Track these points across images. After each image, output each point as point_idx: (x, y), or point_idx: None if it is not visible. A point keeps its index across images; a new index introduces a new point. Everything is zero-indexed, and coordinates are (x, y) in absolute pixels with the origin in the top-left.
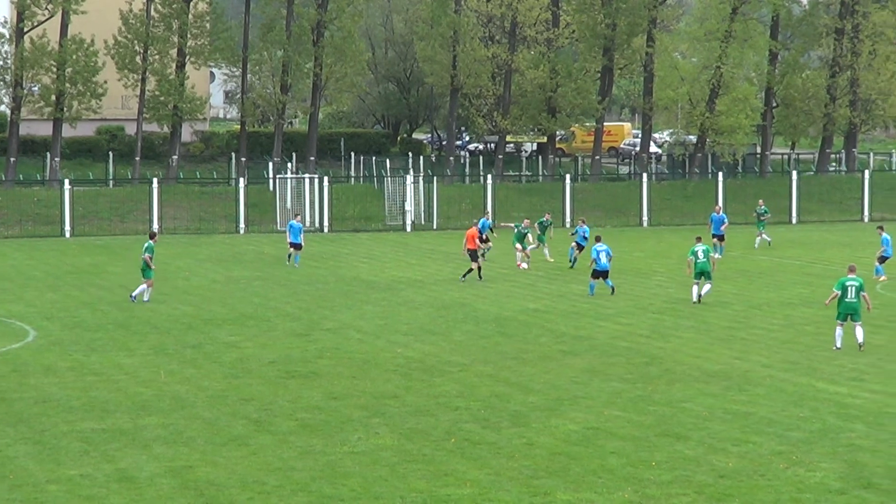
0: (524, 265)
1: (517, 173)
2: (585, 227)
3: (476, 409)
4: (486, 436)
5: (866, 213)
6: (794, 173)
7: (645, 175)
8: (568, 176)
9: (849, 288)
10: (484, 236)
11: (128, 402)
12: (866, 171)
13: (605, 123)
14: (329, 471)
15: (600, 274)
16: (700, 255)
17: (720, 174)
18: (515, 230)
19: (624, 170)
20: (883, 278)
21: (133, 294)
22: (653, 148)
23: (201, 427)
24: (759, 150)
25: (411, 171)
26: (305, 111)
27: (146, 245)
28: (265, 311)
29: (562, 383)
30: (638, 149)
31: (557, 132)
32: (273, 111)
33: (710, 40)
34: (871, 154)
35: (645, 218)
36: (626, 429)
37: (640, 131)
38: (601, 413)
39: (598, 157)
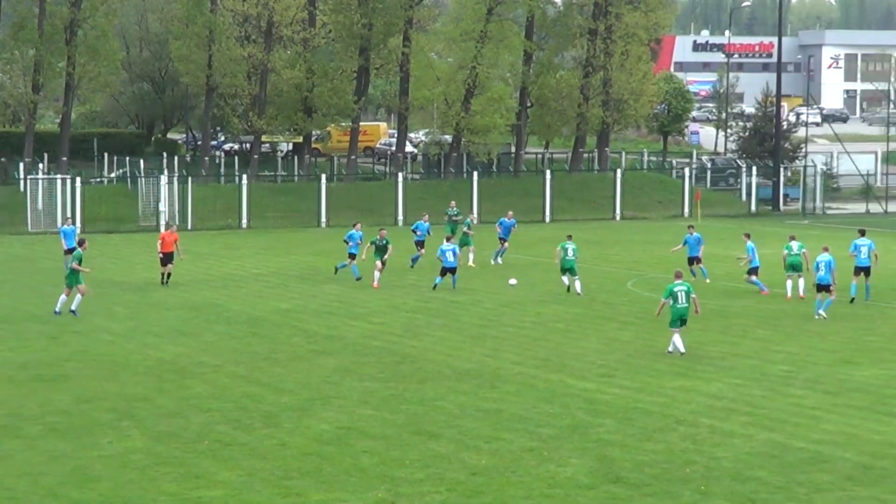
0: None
1: (273, 173)
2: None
3: (228, 410)
4: (238, 437)
5: (618, 211)
6: (548, 172)
7: (400, 175)
8: (324, 176)
9: (678, 293)
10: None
11: None
12: (618, 171)
13: (360, 123)
14: (78, 475)
15: (448, 271)
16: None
17: (475, 174)
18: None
19: (380, 169)
20: (765, 292)
21: (72, 308)
22: (408, 147)
23: None
24: (513, 149)
25: (166, 172)
26: (58, 111)
27: (76, 253)
28: (13, 313)
29: (314, 383)
30: (394, 148)
31: (313, 132)
32: (24, 111)
33: (466, 40)
34: (624, 153)
35: (400, 217)
36: (378, 428)
37: (395, 131)
38: (353, 412)
39: (353, 157)
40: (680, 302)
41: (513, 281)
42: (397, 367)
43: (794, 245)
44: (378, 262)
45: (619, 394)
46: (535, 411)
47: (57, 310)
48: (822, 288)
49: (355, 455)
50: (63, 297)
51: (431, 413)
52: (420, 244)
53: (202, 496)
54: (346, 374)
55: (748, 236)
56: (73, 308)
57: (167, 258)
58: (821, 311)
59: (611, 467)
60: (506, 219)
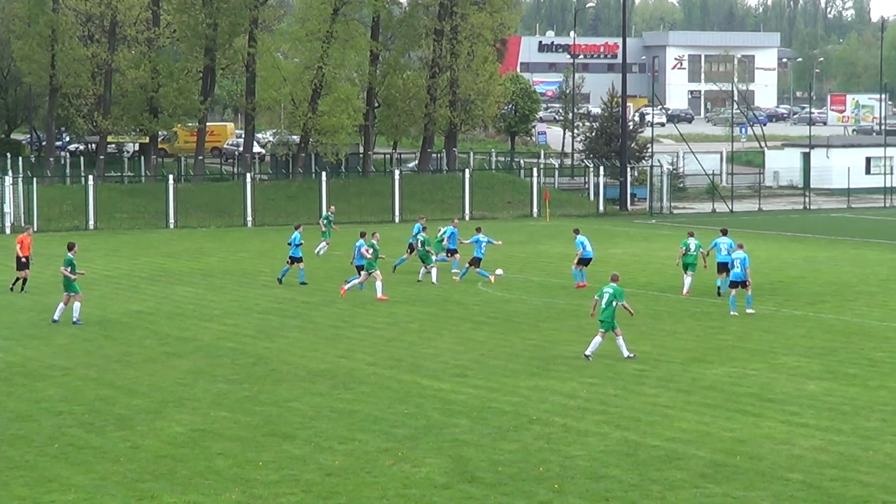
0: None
1: (120, 174)
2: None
3: (80, 413)
4: (90, 440)
5: (467, 211)
6: (397, 172)
7: (248, 175)
8: (171, 176)
9: (604, 295)
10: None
11: None
12: (467, 171)
13: (207, 124)
14: None
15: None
16: (692, 248)
17: (323, 174)
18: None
19: (228, 170)
20: (583, 284)
21: (75, 318)
22: (256, 148)
23: None
24: (361, 149)
25: (10, 173)
26: None
27: (66, 258)
28: None
29: (167, 385)
30: (241, 149)
31: (160, 132)
32: None
33: (312, 40)
34: (472, 153)
35: (249, 218)
36: (232, 430)
37: (243, 131)
38: (207, 414)
39: (201, 158)
40: (603, 304)
41: (499, 271)
42: (251, 368)
43: (692, 243)
44: (369, 273)
45: (474, 393)
46: (390, 412)
47: (56, 318)
48: (737, 284)
49: (209, 457)
50: (62, 305)
51: (286, 414)
52: (412, 248)
53: (55, 500)
54: (200, 376)
55: (577, 231)
56: (75, 319)
57: (25, 262)
58: (749, 310)
59: (466, 467)
60: (452, 227)
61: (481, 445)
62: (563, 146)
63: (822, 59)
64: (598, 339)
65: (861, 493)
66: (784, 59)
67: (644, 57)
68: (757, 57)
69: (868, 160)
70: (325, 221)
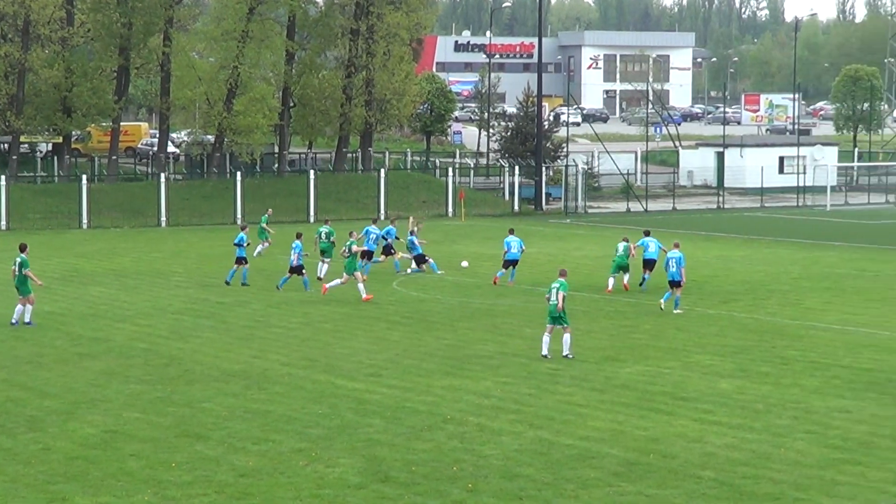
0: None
1: (32, 174)
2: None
3: None
4: (1, 442)
5: (383, 210)
6: (312, 172)
7: (163, 175)
8: (84, 176)
9: (552, 290)
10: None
11: None
12: (382, 171)
13: (122, 123)
14: None
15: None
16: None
17: (238, 174)
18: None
19: (142, 170)
20: (511, 283)
21: (27, 320)
22: (171, 148)
23: None
24: (276, 149)
25: None
26: None
27: (21, 259)
28: None
29: (79, 386)
30: (155, 149)
31: (73, 132)
32: None
33: (228, 40)
34: (387, 153)
35: (163, 218)
36: (145, 431)
37: (157, 131)
38: (120, 415)
39: (115, 158)
40: (552, 299)
41: (464, 263)
42: (164, 369)
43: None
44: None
45: (388, 393)
46: (304, 412)
47: (28, 321)
48: (674, 284)
49: (122, 458)
50: (26, 307)
51: (199, 415)
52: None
53: None
54: (112, 377)
55: (511, 231)
56: (27, 320)
57: None
58: (676, 310)
59: (380, 467)
60: (392, 227)
61: (395, 445)
62: (478, 146)
63: (736, 59)
64: (547, 336)
65: (772, 490)
66: (699, 59)
67: (560, 57)
68: (672, 57)
69: (781, 160)
70: (265, 223)
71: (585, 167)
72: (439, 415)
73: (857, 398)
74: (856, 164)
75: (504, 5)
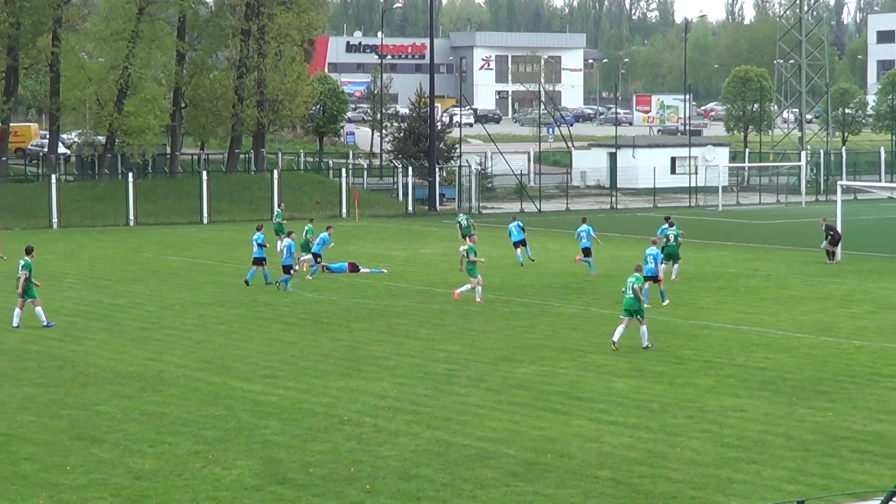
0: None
1: None
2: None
3: None
4: None
5: (275, 211)
6: (205, 173)
7: (54, 176)
8: None
9: (628, 285)
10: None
11: None
12: (275, 171)
13: (11, 124)
14: None
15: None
16: (671, 238)
17: (130, 175)
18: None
19: (32, 171)
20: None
21: (45, 322)
22: (61, 149)
23: None
24: (168, 150)
25: None
26: None
27: (25, 262)
28: None
29: None
30: (46, 150)
31: None
32: None
33: (117, 40)
34: (280, 154)
35: (55, 220)
36: (39, 434)
37: (47, 132)
38: (13, 419)
39: (4, 159)
40: (629, 293)
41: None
42: (58, 371)
43: (671, 234)
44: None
45: (284, 395)
46: (200, 414)
47: (15, 324)
48: (649, 279)
49: (16, 462)
50: (18, 311)
51: (94, 418)
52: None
53: None
54: (5, 380)
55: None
56: (46, 322)
57: None
58: (664, 302)
59: (277, 468)
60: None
61: (292, 447)
62: (371, 146)
63: (627, 60)
64: (621, 327)
65: (669, 489)
66: (590, 60)
67: (452, 57)
68: (563, 58)
69: (673, 160)
70: (279, 220)
71: (479, 168)
72: (336, 416)
73: (752, 397)
74: (747, 164)
75: (395, 6)
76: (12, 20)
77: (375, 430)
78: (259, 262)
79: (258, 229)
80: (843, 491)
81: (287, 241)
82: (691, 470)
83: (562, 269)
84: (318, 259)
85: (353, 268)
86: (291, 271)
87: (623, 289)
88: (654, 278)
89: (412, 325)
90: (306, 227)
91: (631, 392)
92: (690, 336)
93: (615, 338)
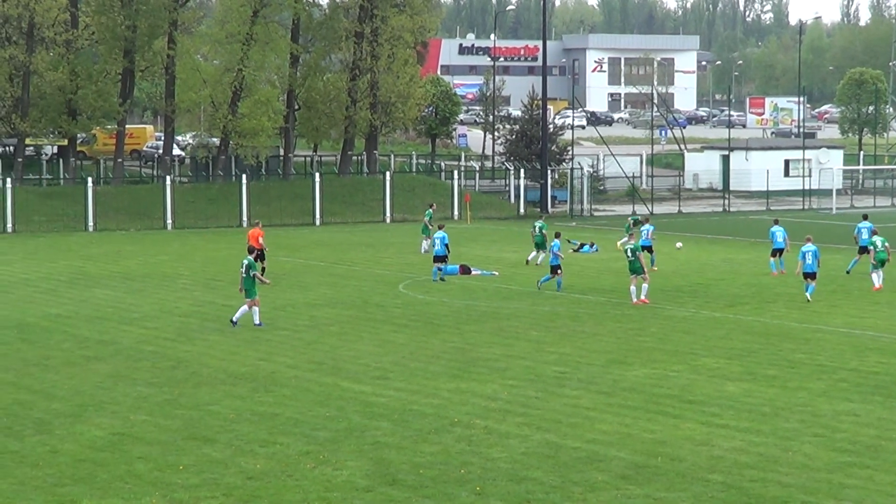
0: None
1: (38, 176)
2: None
3: None
4: (8, 445)
5: (388, 213)
6: (317, 175)
7: (168, 178)
8: (90, 179)
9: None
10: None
11: None
12: (387, 173)
13: (127, 126)
14: None
15: (441, 259)
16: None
17: (244, 177)
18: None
19: (147, 172)
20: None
21: (257, 322)
22: (176, 150)
23: None
24: (282, 152)
25: None
26: None
27: (249, 261)
28: None
29: (86, 389)
30: (161, 151)
31: (79, 135)
32: None
33: (232, 43)
34: (392, 156)
35: (169, 221)
36: (152, 433)
37: (162, 134)
38: (127, 418)
39: (120, 160)
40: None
41: (679, 244)
42: (171, 371)
43: (878, 241)
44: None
45: (395, 396)
46: (311, 415)
47: None
48: (809, 276)
49: (130, 461)
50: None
51: (206, 418)
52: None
53: None
54: (120, 380)
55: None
56: None
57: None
58: (809, 298)
59: (387, 469)
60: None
61: (402, 448)
62: (483, 149)
63: (740, 62)
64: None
65: (781, 494)
66: (703, 62)
67: (564, 60)
68: (676, 60)
69: (787, 162)
70: (428, 219)
71: (591, 170)
72: (446, 418)
73: (865, 401)
74: (861, 167)
75: (508, 8)
76: (128, 23)
77: (486, 431)
78: (441, 259)
79: (440, 228)
80: None
81: (555, 241)
82: (803, 474)
83: (674, 271)
84: (445, 260)
85: (465, 270)
86: (559, 271)
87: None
88: (813, 275)
89: (523, 327)
90: (427, 212)
91: (742, 395)
92: (803, 340)
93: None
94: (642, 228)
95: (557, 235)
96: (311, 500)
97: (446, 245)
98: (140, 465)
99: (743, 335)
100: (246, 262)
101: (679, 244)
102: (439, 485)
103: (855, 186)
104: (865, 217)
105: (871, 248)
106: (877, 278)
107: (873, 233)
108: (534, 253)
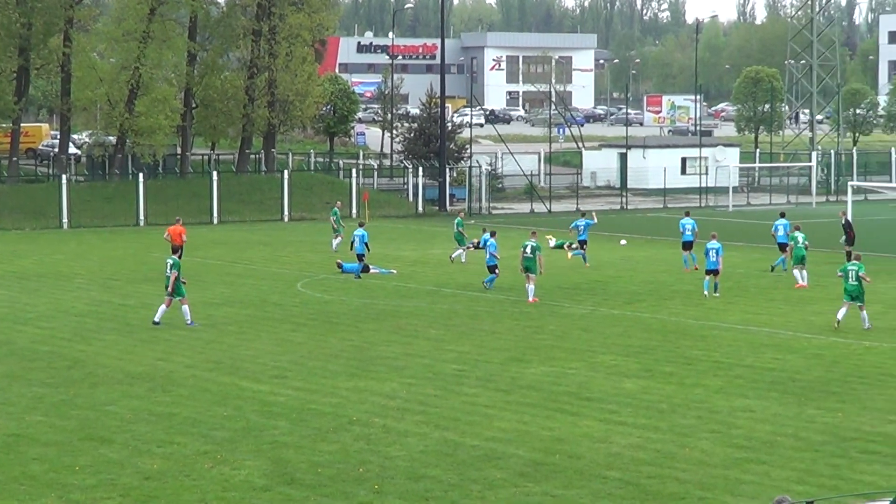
0: None
1: None
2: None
3: None
4: None
5: (286, 212)
6: (215, 174)
7: (64, 176)
8: None
9: (850, 272)
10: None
11: None
12: (286, 172)
13: (22, 124)
14: None
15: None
16: (799, 240)
17: (141, 175)
18: None
19: (43, 171)
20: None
21: (189, 321)
22: (72, 149)
23: None
24: (179, 150)
25: None
26: None
27: (174, 261)
28: None
29: None
30: (56, 150)
31: None
32: None
33: (129, 40)
34: (290, 154)
35: (65, 220)
36: (48, 434)
37: (58, 132)
38: (22, 419)
39: (15, 159)
40: (850, 280)
41: (623, 241)
42: (67, 371)
43: (799, 236)
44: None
45: (293, 395)
46: (209, 414)
47: None
48: (712, 272)
49: (25, 462)
50: None
51: (103, 418)
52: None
53: None
54: (15, 380)
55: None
56: None
57: None
58: (715, 294)
59: (285, 469)
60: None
61: (301, 447)
62: (381, 147)
63: (638, 60)
64: (843, 309)
65: (678, 490)
66: (601, 61)
67: (462, 58)
68: (574, 58)
69: (684, 160)
70: (334, 218)
71: (489, 168)
72: (345, 416)
73: (760, 398)
74: (757, 164)
75: (406, 6)
76: (24, 21)
77: (384, 430)
78: (360, 258)
79: (360, 226)
80: (851, 492)
81: (489, 240)
82: (700, 470)
83: (572, 269)
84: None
85: (364, 268)
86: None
87: (842, 272)
88: (716, 272)
89: (421, 325)
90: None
91: (640, 393)
92: (700, 336)
93: (839, 316)
94: (577, 223)
95: (493, 234)
96: (208, 501)
97: (366, 243)
98: (35, 466)
99: (641, 332)
100: (170, 261)
101: (623, 241)
102: (338, 483)
103: (751, 184)
104: (783, 215)
105: (793, 242)
106: (799, 276)
107: (795, 228)
108: (459, 251)
